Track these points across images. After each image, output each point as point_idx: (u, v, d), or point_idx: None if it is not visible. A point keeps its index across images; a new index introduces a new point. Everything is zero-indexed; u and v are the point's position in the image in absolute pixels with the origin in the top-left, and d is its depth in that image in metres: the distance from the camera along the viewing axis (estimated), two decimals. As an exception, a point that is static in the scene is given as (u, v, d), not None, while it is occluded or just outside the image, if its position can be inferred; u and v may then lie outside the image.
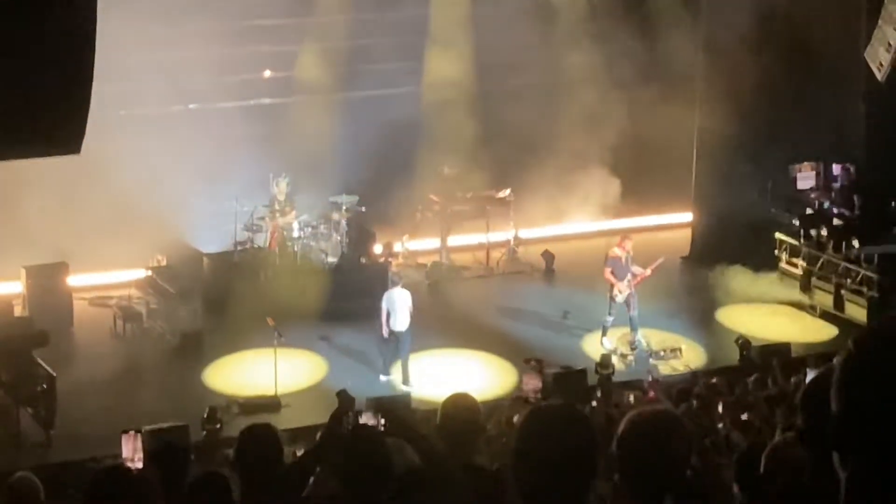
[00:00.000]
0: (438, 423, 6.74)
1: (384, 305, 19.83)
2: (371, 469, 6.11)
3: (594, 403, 16.82)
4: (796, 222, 24.24)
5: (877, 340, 2.47)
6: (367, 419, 6.65)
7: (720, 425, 14.63)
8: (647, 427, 4.13)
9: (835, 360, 2.58)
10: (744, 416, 14.88)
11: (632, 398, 17.07)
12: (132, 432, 15.01)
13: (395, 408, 16.46)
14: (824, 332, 22.23)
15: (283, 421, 17.23)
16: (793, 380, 16.68)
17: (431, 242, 25.13)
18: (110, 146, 18.78)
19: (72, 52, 9.00)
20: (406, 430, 7.05)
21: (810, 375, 11.66)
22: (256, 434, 6.63)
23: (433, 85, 24.98)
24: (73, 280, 22.05)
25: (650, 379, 18.48)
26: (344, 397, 7.40)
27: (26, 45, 8.91)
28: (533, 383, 18.67)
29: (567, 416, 4.07)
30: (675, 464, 4.11)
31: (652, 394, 16.91)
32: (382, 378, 19.89)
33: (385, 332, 19.80)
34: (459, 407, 6.85)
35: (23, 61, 8.91)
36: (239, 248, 23.06)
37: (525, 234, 25.60)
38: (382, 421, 6.81)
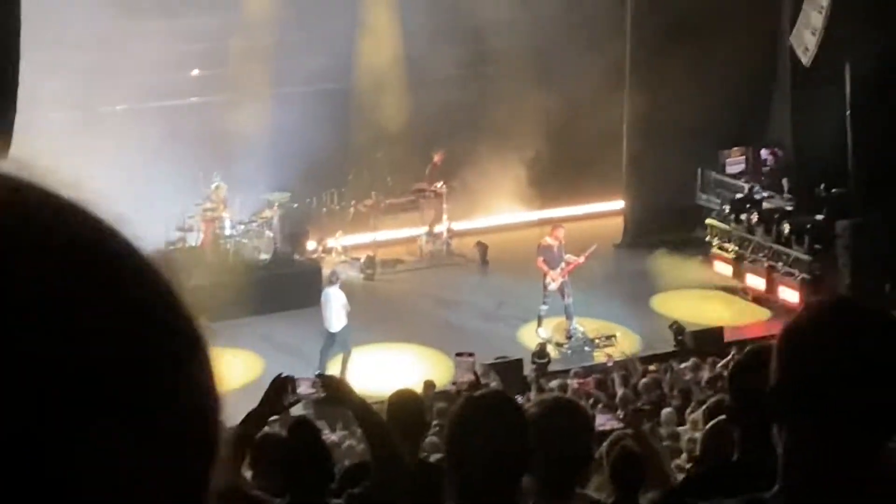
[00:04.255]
0: (385, 419, 6.73)
1: (322, 303, 19.85)
2: (313, 464, 6.07)
3: (530, 395, 16.76)
4: (727, 207, 24.38)
5: (821, 311, 2.51)
6: (304, 388, 6.29)
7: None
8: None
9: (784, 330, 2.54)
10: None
11: (575, 383, 16.94)
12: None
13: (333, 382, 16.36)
14: (757, 315, 22.43)
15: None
16: (720, 364, 16.76)
17: (365, 237, 25.02)
18: (38, 149, 18.55)
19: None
20: (345, 398, 6.65)
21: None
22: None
23: (362, 78, 24.88)
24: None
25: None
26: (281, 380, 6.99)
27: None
28: (466, 377, 18.57)
29: (499, 404, 3.84)
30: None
31: (578, 383, 16.90)
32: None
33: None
34: (405, 402, 6.91)
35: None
36: (171, 248, 22.90)
37: (458, 226, 25.60)
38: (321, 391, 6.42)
